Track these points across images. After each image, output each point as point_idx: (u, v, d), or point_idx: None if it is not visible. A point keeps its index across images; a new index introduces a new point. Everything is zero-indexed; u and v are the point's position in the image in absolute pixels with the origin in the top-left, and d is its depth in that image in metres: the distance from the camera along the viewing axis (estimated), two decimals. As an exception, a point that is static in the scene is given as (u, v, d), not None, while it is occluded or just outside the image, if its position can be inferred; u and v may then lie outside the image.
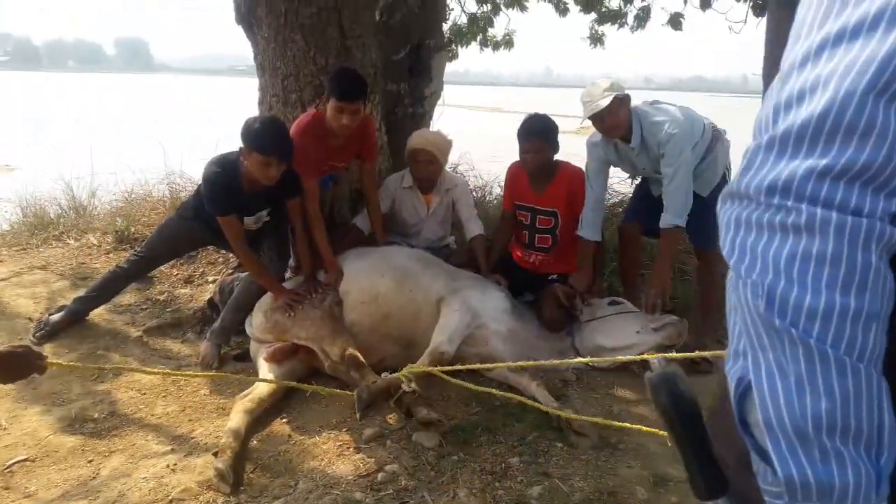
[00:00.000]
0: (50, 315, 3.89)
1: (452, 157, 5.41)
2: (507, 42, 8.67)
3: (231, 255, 4.42)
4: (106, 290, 3.96)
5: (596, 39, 8.33)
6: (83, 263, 4.71)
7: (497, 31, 8.49)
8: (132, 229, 5.11)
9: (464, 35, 8.29)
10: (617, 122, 3.49)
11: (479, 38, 8.49)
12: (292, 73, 3.97)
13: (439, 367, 3.09)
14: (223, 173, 3.43)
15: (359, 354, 3.26)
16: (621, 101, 3.45)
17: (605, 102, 3.38)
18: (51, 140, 14.93)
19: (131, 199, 5.78)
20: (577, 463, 2.72)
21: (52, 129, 19.37)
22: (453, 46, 8.15)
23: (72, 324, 3.88)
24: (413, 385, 2.94)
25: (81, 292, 4.03)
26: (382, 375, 3.08)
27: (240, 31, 4.28)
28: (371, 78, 4.03)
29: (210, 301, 4.12)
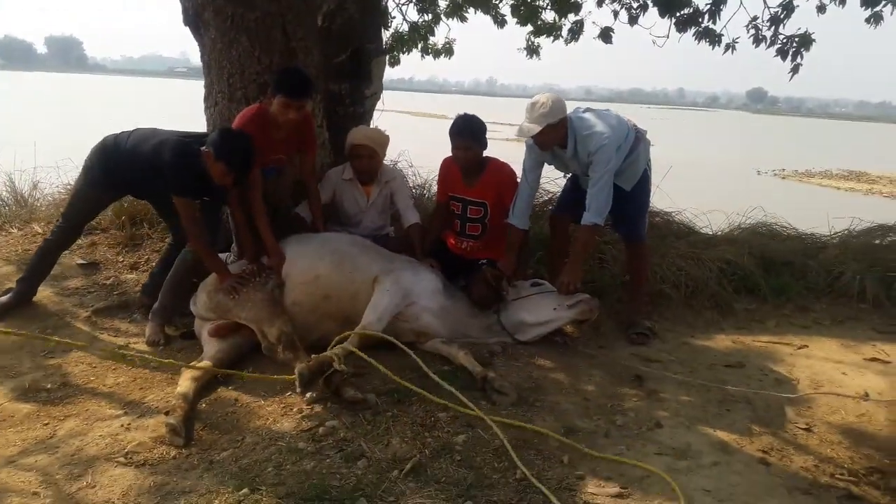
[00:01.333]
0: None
1: (392, 155, 5.71)
2: (448, 50, 9.05)
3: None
4: (41, 265, 4.15)
5: (532, 50, 8.79)
6: (28, 250, 4.82)
7: (438, 39, 8.86)
8: (77, 218, 5.22)
9: (405, 42, 8.62)
10: (546, 141, 3.89)
11: (420, 46, 8.83)
12: (237, 71, 4.21)
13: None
14: (189, 163, 3.62)
15: (294, 337, 3.51)
16: (553, 128, 3.80)
17: (534, 129, 3.75)
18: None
19: (74, 192, 5.87)
20: (497, 417, 3.05)
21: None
22: (395, 53, 8.48)
23: (19, 304, 4.04)
24: (343, 366, 3.18)
25: None
26: (312, 357, 3.27)
27: (180, 34, 4.50)
28: (313, 78, 4.29)
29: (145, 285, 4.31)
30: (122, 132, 4.01)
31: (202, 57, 4.40)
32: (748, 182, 21.54)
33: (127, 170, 3.89)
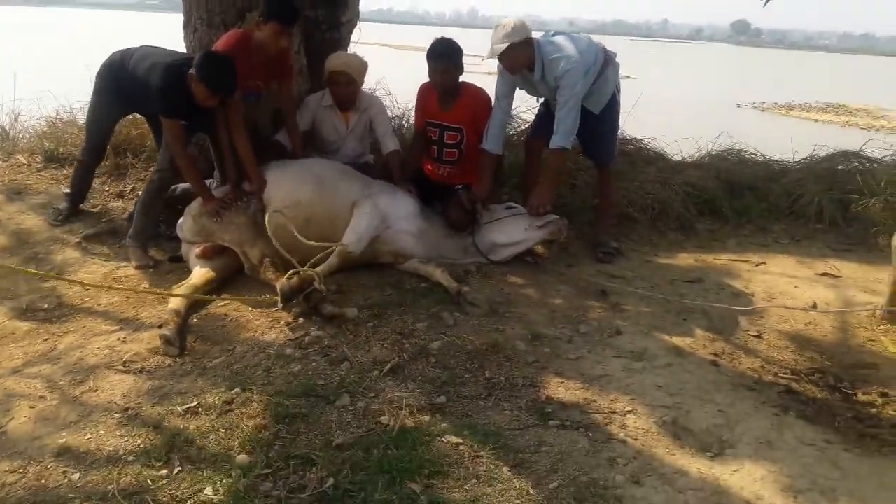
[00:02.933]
0: (58, 207, 4.49)
1: (370, 83, 5.78)
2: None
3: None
4: (81, 183, 4.56)
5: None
6: (14, 180, 4.92)
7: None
8: (61, 150, 5.32)
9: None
10: (514, 64, 4.01)
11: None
12: (217, -4, 4.25)
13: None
14: (176, 84, 3.73)
15: (275, 258, 3.69)
16: (518, 46, 3.91)
17: (499, 49, 3.88)
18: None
19: (55, 123, 5.90)
20: (470, 326, 3.30)
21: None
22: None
23: (74, 209, 4.52)
24: (322, 286, 3.35)
25: (25, 202, 4.59)
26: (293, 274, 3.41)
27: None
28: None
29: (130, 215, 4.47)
30: (129, 48, 4.16)
31: (179, -17, 4.43)
32: (726, 115, 21.62)
33: (131, 87, 4.04)
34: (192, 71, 3.66)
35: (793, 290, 4.09)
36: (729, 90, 30.62)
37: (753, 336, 3.54)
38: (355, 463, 2.29)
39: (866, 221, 4.98)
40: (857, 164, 5.91)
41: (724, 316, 3.72)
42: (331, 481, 2.19)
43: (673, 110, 16.27)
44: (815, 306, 3.88)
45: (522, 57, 3.96)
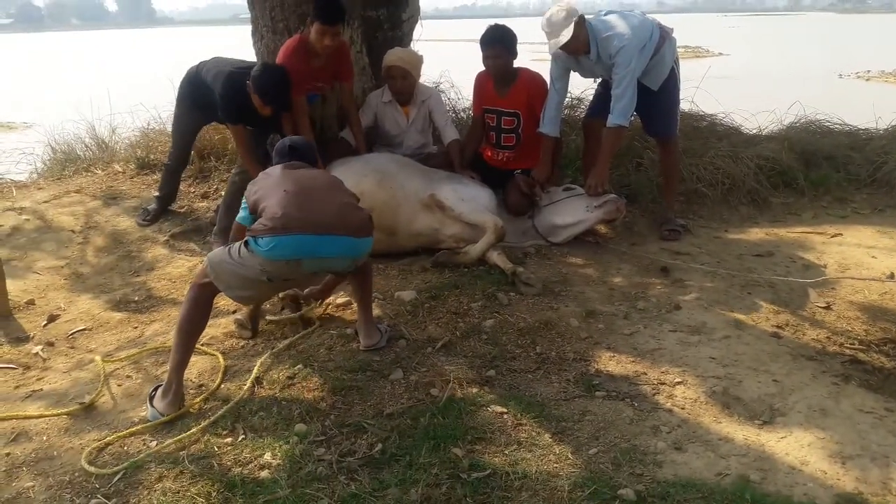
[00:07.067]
0: (147, 207, 4.86)
1: (433, 76, 5.92)
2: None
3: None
4: (169, 183, 4.92)
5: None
6: (111, 186, 5.37)
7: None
8: (151, 157, 5.74)
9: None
10: (579, 46, 4.01)
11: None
12: (278, 3, 4.47)
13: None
14: (238, 93, 4.01)
15: None
16: (580, 26, 3.93)
17: (568, 34, 3.85)
18: (66, 94, 15.34)
19: (147, 133, 6.36)
20: (524, 305, 3.36)
21: (65, 84, 19.82)
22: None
23: (163, 210, 4.89)
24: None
25: (119, 206, 4.96)
26: None
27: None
28: (346, 5, 4.52)
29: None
30: (202, 61, 4.47)
31: (246, -7, 4.69)
32: (822, 87, 20.45)
33: (204, 96, 4.33)
34: (249, 81, 3.90)
35: (869, 261, 3.93)
36: (830, 61, 28.87)
37: (822, 308, 3.44)
38: (403, 430, 2.42)
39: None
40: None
41: (791, 289, 3.63)
42: (379, 446, 2.34)
43: (761, 85, 15.58)
44: (892, 276, 3.71)
45: (583, 37, 3.95)
